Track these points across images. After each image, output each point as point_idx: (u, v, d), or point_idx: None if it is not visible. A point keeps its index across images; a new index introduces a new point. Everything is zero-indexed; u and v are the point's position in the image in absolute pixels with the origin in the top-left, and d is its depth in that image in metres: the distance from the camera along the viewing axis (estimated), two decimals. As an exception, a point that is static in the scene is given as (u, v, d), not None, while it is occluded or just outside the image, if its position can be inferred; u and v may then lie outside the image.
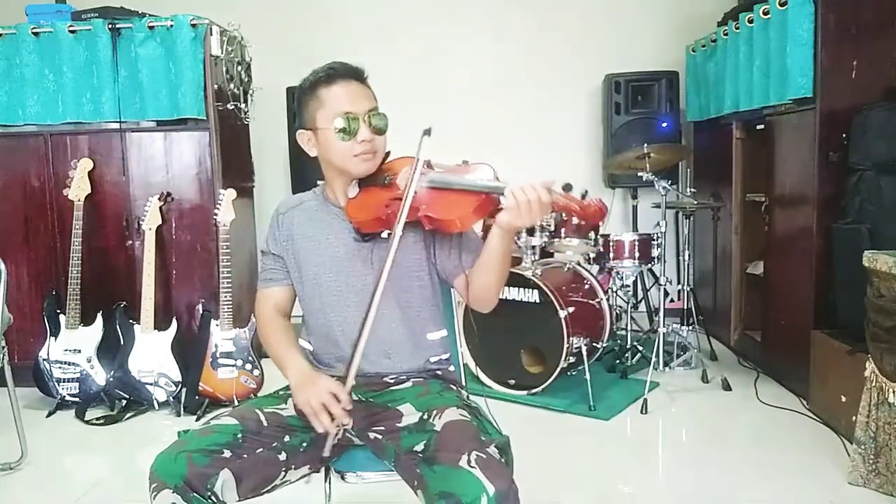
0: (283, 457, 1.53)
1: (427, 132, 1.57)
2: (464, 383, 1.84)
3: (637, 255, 3.59)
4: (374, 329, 1.54)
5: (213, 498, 1.42)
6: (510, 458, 1.46)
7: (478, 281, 1.63)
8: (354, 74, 1.66)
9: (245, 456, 1.48)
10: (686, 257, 3.85)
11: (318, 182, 1.81)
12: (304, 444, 1.57)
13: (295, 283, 1.75)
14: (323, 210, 1.74)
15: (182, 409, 3.29)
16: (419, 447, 1.46)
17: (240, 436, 1.50)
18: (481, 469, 1.32)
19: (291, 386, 1.58)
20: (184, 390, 3.32)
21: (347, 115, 1.61)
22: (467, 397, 1.72)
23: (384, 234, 1.64)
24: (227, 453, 1.46)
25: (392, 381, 1.68)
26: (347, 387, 1.50)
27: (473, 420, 1.49)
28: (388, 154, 1.72)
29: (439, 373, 1.73)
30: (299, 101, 1.70)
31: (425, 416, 1.53)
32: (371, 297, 1.51)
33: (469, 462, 1.33)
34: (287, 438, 1.55)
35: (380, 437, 1.59)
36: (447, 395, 1.63)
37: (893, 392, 2.27)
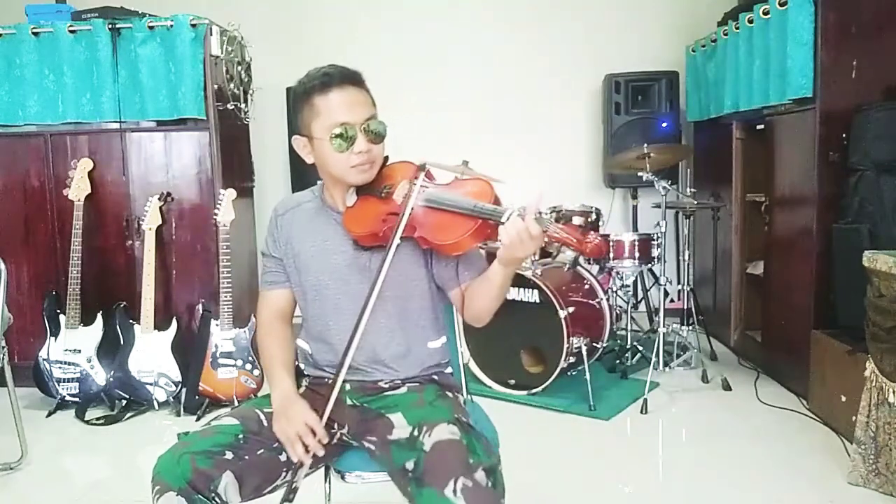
0: (283, 457, 1.53)
1: (422, 168, 1.56)
2: (462, 386, 1.81)
3: (637, 255, 3.59)
4: (374, 340, 1.53)
5: (217, 499, 1.42)
6: (499, 480, 1.40)
7: (476, 303, 1.62)
8: (351, 79, 1.59)
9: (246, 457, 1.47)
10: (686, 257, 3.84)
11: (318, 181, 1.78)
12: None
13: (294, 287, 1.73)
14: (322, 214, 1.71)
15: (182, 409, 3.29)
16: (409, 465, 1.44)
17: (241, 436, 1.49)
18: (466, 500, 1.31)
19: (273, 408, 1.57)
20: (184, 390, 3.32)
21: (344, 125, 1.55)
22: (464, 402, 1.71)
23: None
24: (228, 454, 1.45)
25: (387, 385, 1.67)
26: (324, 419, 1.51)
27: (464, 438, 1.43)
28: (386, 159, 1.68)
29: (436, 377, 1.72)
30: (294, 107, 1.64)
31: (415, 433, 1.48)
32: (359, 315, 1.51)
33: (455, 491, 1.31)
34: None
35: (373, 447, 1.58)
36: (440, 405, 1.58)
37: (893, 392, 2.27)
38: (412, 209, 1.54)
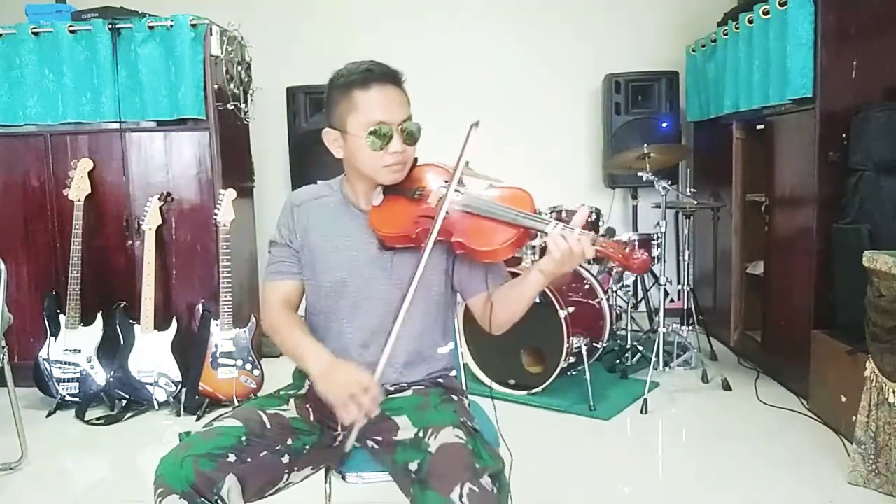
0: (286, 459, 1.52)
1: (475, 125, 1.51)
2: (465, 388, 1.81)
3: (637, 255, 3.59)
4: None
5: (220, 502, 1.40)
6: (504, 485, 1.40)
7: (504, 312, 1.61)
8: (392, 78, 1.58)
9: (249, 460, 1.46)
10: (686, 257, 3.85)
11: (318, 181, 1.77)
12: (307, 447, 1.56)
13: (306, 281, 1.70)
14: (342, 209, 1.69)
15: (182, 409, 3.29)
16: (413, 466, 1.43)
17: (244, 439, 1.48)
18: None
19: (313, 375, 1.52)
20: (184, 390, 3.32)
21: (381, 124, 1.54)
22: (468, 405, 1.71)
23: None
24: (231, 457, 1.44)
25: (392, 388, 1.66)
26: (377, 375, 1.46)
27: (469, 442, 1.43)
28: (415, 160, 1.66)
29: (441, 380, 1.72)
30: (329, 98, 1.61)
31: (421, 434, 1.48)
32: (393, 320, 1.48)
33: (461, 496, 1.31)
34: (290, 441, 1.54)
35: (376, 446, 1.58)
36: (445, 409, 1.58)
37: (893, 392, 2.27)
38: (448, 213, 1.52)
